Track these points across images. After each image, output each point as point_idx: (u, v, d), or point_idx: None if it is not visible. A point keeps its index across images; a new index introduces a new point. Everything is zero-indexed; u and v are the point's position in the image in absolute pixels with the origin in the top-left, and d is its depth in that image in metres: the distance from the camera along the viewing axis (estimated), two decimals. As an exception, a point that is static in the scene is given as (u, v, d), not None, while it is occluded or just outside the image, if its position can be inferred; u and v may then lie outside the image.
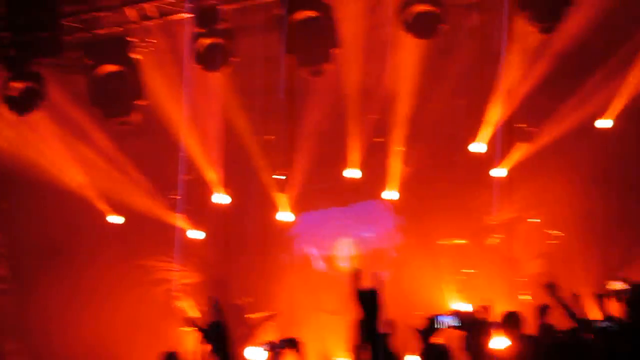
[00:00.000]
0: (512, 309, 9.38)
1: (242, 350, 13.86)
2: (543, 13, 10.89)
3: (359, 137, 15.08)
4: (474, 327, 7.54)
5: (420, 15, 10.80)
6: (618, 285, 9.46)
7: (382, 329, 6.36)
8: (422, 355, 7.27)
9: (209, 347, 6.91)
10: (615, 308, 8.95)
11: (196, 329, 8.04)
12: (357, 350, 6.91)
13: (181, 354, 7.85)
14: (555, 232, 16.02)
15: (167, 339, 14.23)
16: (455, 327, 7.88)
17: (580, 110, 14.95)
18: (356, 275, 6.59)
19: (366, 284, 6.46)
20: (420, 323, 7.51)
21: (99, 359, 15.16)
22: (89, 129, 14.31)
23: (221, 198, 15.37)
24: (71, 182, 14.87)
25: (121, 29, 14.20)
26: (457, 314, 7.76)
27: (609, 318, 8.88)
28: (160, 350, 7.76)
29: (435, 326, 7.44)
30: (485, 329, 7.82)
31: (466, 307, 12.72)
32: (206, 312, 8.26)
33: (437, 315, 7.62)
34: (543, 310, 9.53)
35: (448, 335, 8.04)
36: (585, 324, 8.52)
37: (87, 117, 14.28)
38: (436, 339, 7.44)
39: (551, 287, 9.51)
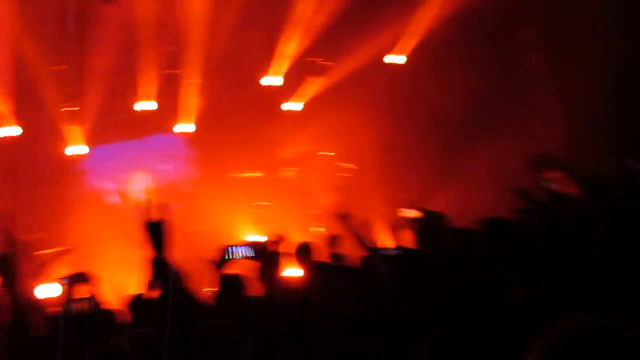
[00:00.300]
0: (304, 239, 9.55)
1: (32, 287, 13.53)
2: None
3: (153, 68, 14.85)
4: (267, 257, 7.61)
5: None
6: (411, 213, 9.77)
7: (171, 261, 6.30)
8: (216, 286, 7.31)
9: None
10: (408, 237, 9.26)
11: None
12: (150, 285, 6.88)
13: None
14: (349, 165, 16.42)
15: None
16: (248, 258, 7.94)
17: (374, 45, 15.27)
18: (145, 206, 6.50)
19: (155, 215, 6.37)
20: (214, 254, 7.53)
21: None
22: None
23: (10, 130, 14.80)
24: None
25: None
26: (250, 244, 7.81)
27: (399, 247, 9.20)
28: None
29: (228, 257, 7.46)
30: (278, 259, 7.93)
31: (260, 238, 12.85)
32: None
33: (229, 246, 7.65)
34: (333, 240, 9.78)
35: (242, 265, 8.11)
36: (374, 251, 8.79)
37: None
38: (230, 270, 7.50)
39: (342, 217, 9.75)
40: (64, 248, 13.66)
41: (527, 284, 4.75)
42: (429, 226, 8.43)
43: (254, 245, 7.86)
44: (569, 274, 5.43)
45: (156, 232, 6.13)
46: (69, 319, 6.94)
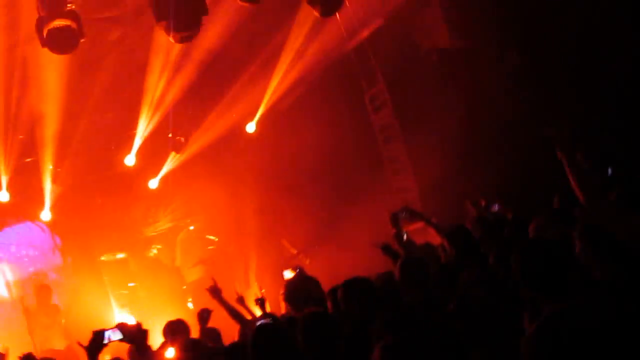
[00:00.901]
0: (174, 318, 9.45)
1: None
2: (179, 23, 11.01)
3: (7, 158, 14.59)
4: (137, 338, 7.52)
5: (57, 30, 10.55)
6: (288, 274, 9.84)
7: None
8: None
9: None
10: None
11: None
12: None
13: None
14: (211, 237, 16.43)
15: None
16: (120, 340, 7.84)
17: (226, 117, 15.40)
18: None
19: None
20: (87, 339, 7.43)
21: None
22: None
23: None
24: None
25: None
26: (120, 326, 7.71)
27: (268, 315, 9.22)
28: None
29: (101, 341, 7.37)
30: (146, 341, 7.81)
31: (130, 319, 12.68)
32: None
33: (101, 330, 7.56)
34: (203, 315, 9.71)
35: (116, 348, 8.02)
36: (247, 323, 8.81)
37: None
38: (103, 355, 7.39)
39: (214, 291, 9.75)
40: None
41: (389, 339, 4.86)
42: (298, 291, 8.46)
43: (122, 327, 7.76)
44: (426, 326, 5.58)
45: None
46: None
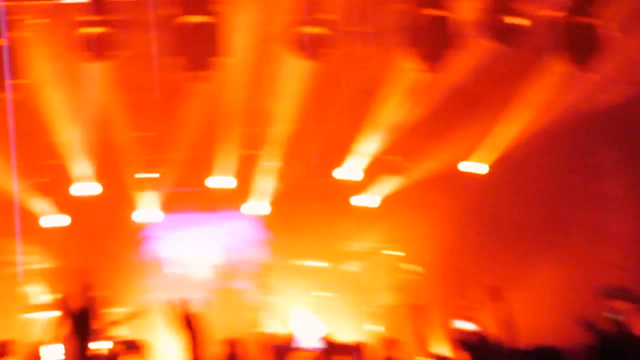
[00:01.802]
0: (359, 338, 9.45)
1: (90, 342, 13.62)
2: (429, 53, 11.12)
3: (232, 146, 15.05)
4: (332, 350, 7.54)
5: (310, 37, 10.86)
6: (466, 326, 9.60)
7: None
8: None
9: (66, 331, 6.71)
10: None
11: (64, 310, 7.85)
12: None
13: (17, 343, 7.52)
14: (413, 267, 16.32)
15: (7, 325, 13.89)
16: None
17: (451, 152, 15.29)
18: (179, 304, 6.59)
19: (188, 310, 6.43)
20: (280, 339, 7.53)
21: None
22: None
23: (86, 188, 15.08)
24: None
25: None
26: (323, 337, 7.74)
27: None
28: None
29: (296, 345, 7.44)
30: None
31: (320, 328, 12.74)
32: (71, 298, 8.10)
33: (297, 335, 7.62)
34: (390, 343, 9.64)
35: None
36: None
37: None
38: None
39: (416, 312, 9.26)
40: (132, 311, 13.73)
41: None
42: (482, 347, 8.20)
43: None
44: None
45: (189, 328, 6.18)
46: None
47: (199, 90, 13.47)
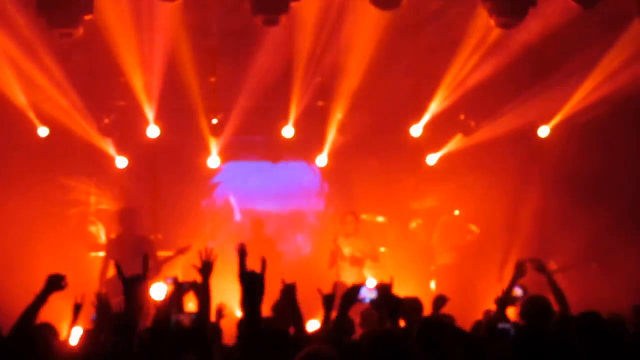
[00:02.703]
0: (413, 294, 9.35)
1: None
2: (506, 7, 10.86)
3: (301, 96, 14.99)
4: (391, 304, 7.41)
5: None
6: (516, 292, 9.46)
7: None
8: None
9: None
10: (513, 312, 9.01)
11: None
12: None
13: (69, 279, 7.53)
14: (473, 227, 16.21)
15: (71, 261, 14.05)
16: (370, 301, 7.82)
17: (521, 115, 15.07)
18: (241, 252, 6.48)
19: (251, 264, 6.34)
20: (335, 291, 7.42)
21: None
22: (31, 38, 13.81)
23: (152, 131, 15.14)
24: (4, 89, 14.31)
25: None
26: (380, 287, 7.63)
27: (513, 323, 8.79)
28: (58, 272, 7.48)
29: (355, 296, 7.34)
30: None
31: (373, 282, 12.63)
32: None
33: (359, 285, 7.52)
34: (439, 301, 9.54)
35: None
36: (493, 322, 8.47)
37: (31, 25, 13.73)
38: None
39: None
40: (182, 247, 13.80)
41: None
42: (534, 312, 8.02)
43: (382, 289, 7.67)
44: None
45: (250, 283, 6.06)
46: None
47: (269, 37, 13.36)
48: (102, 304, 6.90)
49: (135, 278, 6.40)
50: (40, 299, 6.92)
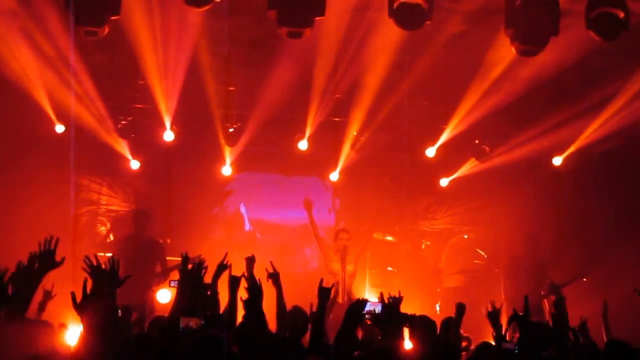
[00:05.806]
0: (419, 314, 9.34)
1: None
2: (528, 35, 10.88)
3: (318, 111, 15.04)
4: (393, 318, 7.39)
5: (408, 5, 10.69)
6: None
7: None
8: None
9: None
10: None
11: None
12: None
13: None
14: (481, 252, 16.23)
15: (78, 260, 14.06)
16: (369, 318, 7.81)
17: (535, 143, 15.13)
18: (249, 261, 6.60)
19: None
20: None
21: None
22: (55, 34, 13.87)
23: (168, 135, 15.21)
24: (25, 82, 14.36)
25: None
26: (383, 303, 7.61)
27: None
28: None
29: (361, 310, 7.28)
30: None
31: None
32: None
33: (364, 301, 7.47)
34: (446, 325, 9.52)
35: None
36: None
37: (56, 21, 13.78)
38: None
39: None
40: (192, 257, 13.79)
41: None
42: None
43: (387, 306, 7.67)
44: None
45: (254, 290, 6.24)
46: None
47: (291, 49, 13.41)
48: (91, 264, 6.77)
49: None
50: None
